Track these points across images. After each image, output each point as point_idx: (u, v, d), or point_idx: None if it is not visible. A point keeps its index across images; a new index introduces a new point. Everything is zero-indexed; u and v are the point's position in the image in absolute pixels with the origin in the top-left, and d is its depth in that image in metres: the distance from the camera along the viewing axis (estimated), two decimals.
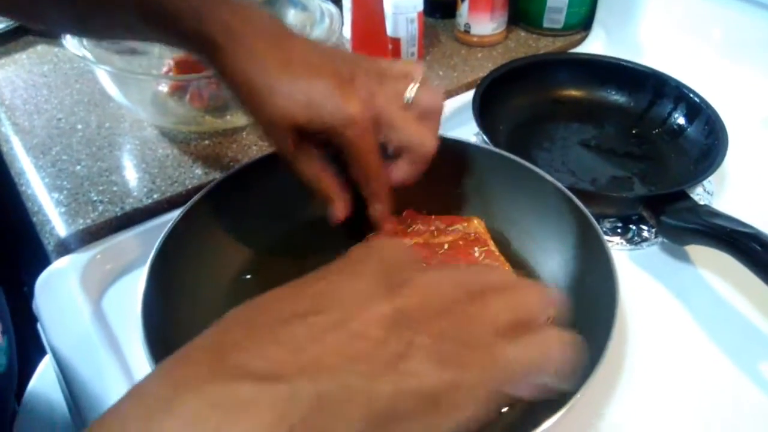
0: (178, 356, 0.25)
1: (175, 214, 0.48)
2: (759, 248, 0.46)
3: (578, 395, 0.36)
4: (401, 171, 0.47)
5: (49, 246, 0.57)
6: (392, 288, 0.28)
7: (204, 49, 0.43)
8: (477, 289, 0.30)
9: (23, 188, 0.63)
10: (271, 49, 0.42)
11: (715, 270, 0.54)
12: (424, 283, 0.29)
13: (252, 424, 0.22)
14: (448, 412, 0.26)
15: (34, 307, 0.53)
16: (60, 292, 0.52)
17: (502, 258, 0.50)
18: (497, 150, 0.55)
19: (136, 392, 0.24)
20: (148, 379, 0.25)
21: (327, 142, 0.44)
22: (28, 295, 0.54)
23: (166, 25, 0.43)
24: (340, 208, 0.47)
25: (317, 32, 0.69)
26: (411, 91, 0.45)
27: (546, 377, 0.29)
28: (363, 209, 0.48)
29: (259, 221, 0.53)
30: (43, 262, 0.56)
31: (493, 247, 0.51)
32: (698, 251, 0.54)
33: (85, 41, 0.64)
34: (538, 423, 0.35)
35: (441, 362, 0.26)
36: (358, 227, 0.51)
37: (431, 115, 0.46)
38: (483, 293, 0.30)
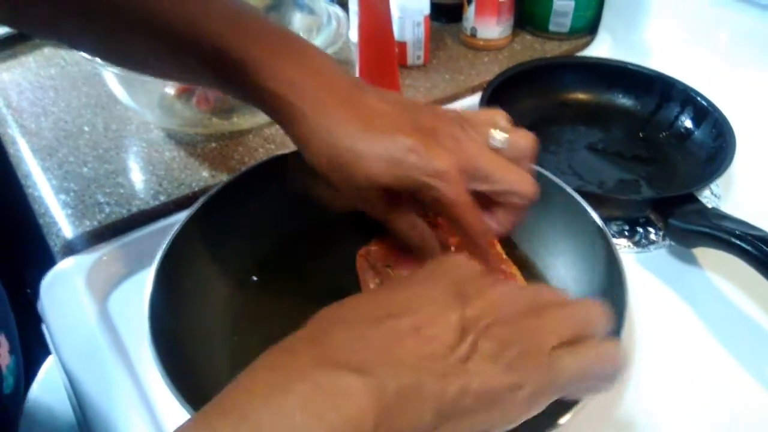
0: (281, 349, 0.29)
1: (181, 216, 0.48)
2: (767, 250, 0.46)
3: (587, 398, 0.36)
4: (501, 221, 0.44)
5: (56, 248, 0.57)
6: (464, 299, 0.31)
7: (275, 109, 0.42)
8: (539, 305, 0.33)
9: (30, 190, 0.63)
10: (347, 107, 0.40)
11: (722, 272, 0.54)
12: (491, 296, 0.32)
13: (350, 408, 0.26)
14: (503, 411, 0.29)
15: (39, 308, 0.53)
16: (66, 294, 0.52)
17: (509, 260, 0.50)
18: None
19: (246, 378, 0.28)
20: (255, 367, 0.28)
21: (419, 196, 0.41)
22: (31, 297, 0.54)
23: (235, 78, 0.41)
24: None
25: (324, 36, 0.69)
26: (500, 135, 0.42)
27: (596, 383, 0.32)
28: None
29: (265, 223, 0.53)
30: (49, 264, 0.56)
31: (499, 249, 0.51)
32: (706, 254, 0.54)
33: None
34: (546, 426, 0.35)
35: (503, 366, 0.29)
36: (364, 229, 0.51)
37: (524, 158, 0.42)
38: (545, 308, 0.32)
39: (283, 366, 0.28)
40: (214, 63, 0.42)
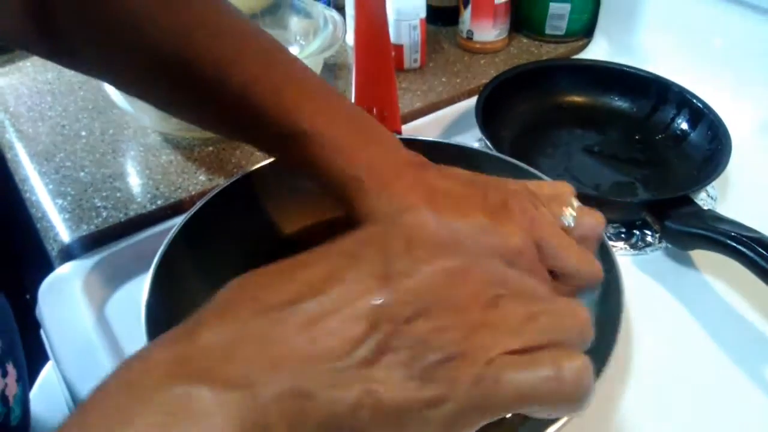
0: (139, 355, 0.24)
1: (178, 221, 0.48)
2: (763, 252, 0.46)
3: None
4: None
5: (53, 252, 0.57)
6: (390, 277, 0.25)
7: (341, 188, 0.39)
8: (503, 292, 0.26)
9: (27, 195, 0.63)
10: (415, 190, 0.38)
11: (719, 275, 0.54)
12: (432, 274, 0.25)
13: None
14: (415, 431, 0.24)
15: (37, 313, 0.53)
16: (63, 299, 0.52)
17: None
18: (501, 156, 0.54)
19: (94, 400, 0.22)
20: (106, 383, 0.23)
21: None
22: (30, 302, 0.54)
23: (299, 153, 0.40)
24: None
25: (320, 39, 0.69)
26: (571, 214, 0.40)
27: (550, 406, 0.25)
28: None
29: (263, 227, 0.53)
30: (47, 268, 0.56)
31: None
32: (702, 256, 0.54)
33: None
34: (541, 428, 0.35)
35: (420, 374, 0.23)
36: None
37: (590, 238, 0.40)
38: (510, 297, 0.26)
39: (133, 383, 0.22)
40: (280, 140, 0.40)
